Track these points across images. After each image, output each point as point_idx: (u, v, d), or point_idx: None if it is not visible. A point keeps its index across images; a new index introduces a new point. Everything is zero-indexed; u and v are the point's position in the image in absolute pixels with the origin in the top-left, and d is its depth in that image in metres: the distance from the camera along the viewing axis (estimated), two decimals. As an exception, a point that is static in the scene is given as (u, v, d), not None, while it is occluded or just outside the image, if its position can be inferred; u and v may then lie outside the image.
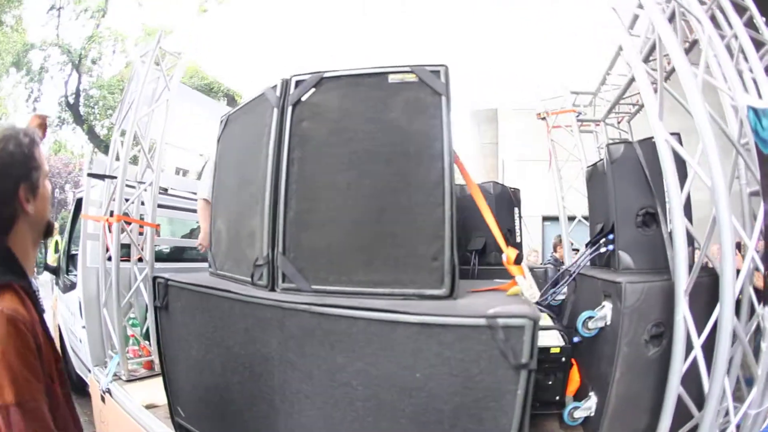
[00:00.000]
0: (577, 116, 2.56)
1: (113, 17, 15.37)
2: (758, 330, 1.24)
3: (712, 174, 1.08)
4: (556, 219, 4.14)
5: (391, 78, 1.06)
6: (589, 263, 2.00)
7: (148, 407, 1.67)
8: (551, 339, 1.67)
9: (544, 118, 2.54)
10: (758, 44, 1.15)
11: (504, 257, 1.09)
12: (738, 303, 1.20)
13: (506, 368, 0.79)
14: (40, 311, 0.86)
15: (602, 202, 1.82)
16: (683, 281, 1.16)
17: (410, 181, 1.01)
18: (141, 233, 2.05)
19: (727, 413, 1.21)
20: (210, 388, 1.23)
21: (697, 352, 1.15)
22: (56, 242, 3.13)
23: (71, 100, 15.65)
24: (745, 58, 1.17)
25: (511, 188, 2.58)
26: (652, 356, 1.33)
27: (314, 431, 0.98)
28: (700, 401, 1.22)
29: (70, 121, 15.77)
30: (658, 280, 1.34)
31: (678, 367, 1.18)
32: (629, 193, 1.55)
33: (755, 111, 1.09)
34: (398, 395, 0.88)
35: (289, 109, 1.12)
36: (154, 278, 1.33)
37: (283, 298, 1.05)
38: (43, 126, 1.35)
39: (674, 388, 1.18)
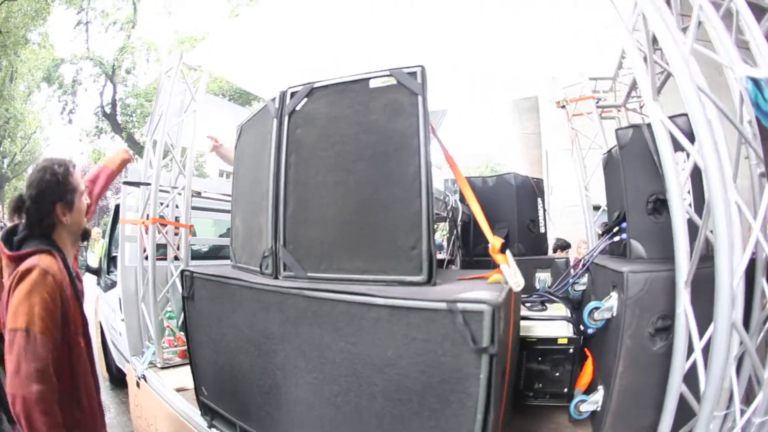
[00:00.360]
0: (597, 102, 2.48)
1: (143, 28, 16.08)
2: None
3: (703, 152, 1.01)
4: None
5: (372, 83, 1.15)
6: (608, 253, 1.95)
7: (178, 390, 1.89)
8: (559, 330, 1.67)
9: (563, 107, 2.46)
10: (759, 11, 1.07)
11: (489, 246, 1.15)
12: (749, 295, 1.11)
13: (468, 352, 0.86)
14: (73, 280, 1.14)
15: (617, 190, 1.76)
16: (683, 271, 1.10)
17: (390, 176, 1.10)
18: (176, 233, 2.35)
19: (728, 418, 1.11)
20: (226, 367, 1.41)
21: (696, 349, 1.08)
22: (102, 245, 3.59)
23: (107, 110, 16.35)
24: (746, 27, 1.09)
25: (534, 178, 2.55)
26: (658, 350, 1.27)
27: (307, 404, 1.12)
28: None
29: (108, 130, 16.52)
30: (664, 269, 1.26)
31: (679, 364, 1.11)
32: (639, 179, 1.49)
33: (755, 82, 1.00)
34: (373, 372, 0.98)
35: (286, 118, 1.26)
36: (182, 272, 1.55)
37: (283, 284, 1.21)
38: (127, 160, 1.72)
39: (676, 386, 1.12)
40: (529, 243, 2.37)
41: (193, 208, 2.30)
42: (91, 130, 16.49)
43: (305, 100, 1.23)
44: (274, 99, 1.31)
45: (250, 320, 1.27)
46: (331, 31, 2.31)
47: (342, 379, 1.03)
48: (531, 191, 2.45)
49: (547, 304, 1.87)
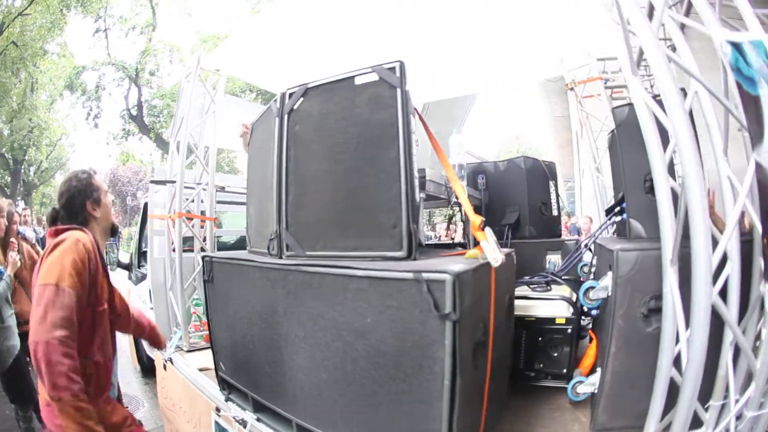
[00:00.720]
0: (605, 83, 2.41)
1: (164, 30, 16.52)
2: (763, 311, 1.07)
3: (674, 124, 1.00)
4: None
5: (357, 80, 1.27)
6: (615, 233, 1.93)
7: (201, 370, 2.10)
8: (558, 310, 1.70)
9: (572, 89, 2.42)
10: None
11: (470, 225, 1.23)
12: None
13: (433, 318, 0.95)
14: (102, 257, 1.38)
15: (618, 169, 1.75)
16: (668, 249, 1.08)
17: (374, 163, 1.22)
18: (202, 226, 2.62)
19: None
20: (240, 342, 1.59)
21: (682, 331, 1.05)
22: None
23: (133, 112, 17.04)
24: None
25: (545, 162, 2.56)
26: (652, 332, 1.25)
27: (305, 371, 1.28)
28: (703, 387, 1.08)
29: (136, 132, 17.09)
30: (656, 248, 1.20)
31: (668, 346, 1.08)
32: (636, 158, 1.47)
33: (736, 46, 0.98)
34: (355, 338, 1.11)
35: (285, 117, 1.42)
36: (203, 257, 1.78)
37: (285, 262, 1.38)
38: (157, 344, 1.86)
39: (665, 369, 1.08)
40: (541, 225, 2.39)
41: (219, 202, 2.56)
42: (118, 132, 17.19)
43: (301, 99, 1.38)
44: (276, 99, 1.48)
45: (259, 296, 1.45)
46: (345, 27, 2.40)
47: (331, 346, 1.17)
48: (542, 174, 2.45)
49: (552, 286, 1.91)
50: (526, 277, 1.93)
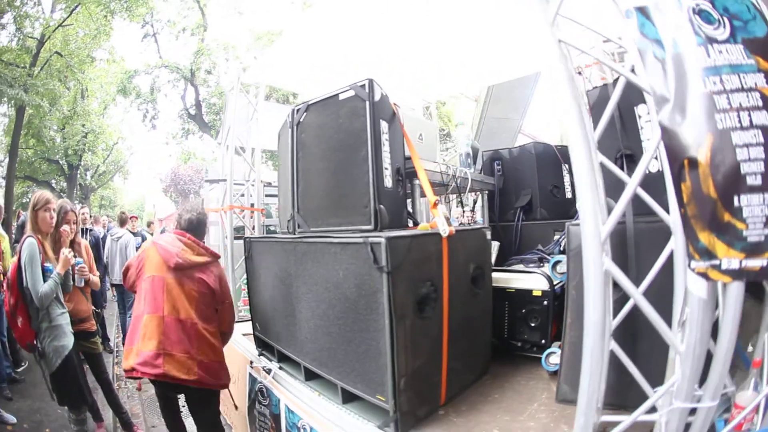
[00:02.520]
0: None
1: (216, 30, 16.62)
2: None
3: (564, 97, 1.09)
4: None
5: (341, 96, 1.76)
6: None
7: (244, 335, 2.68)
8: (536, 283, 1.97)
9: (579, 73, 2.53)
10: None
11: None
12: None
13: (375, 271, 1.37)
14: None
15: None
16: (588, 223, 1.15)
17: (351, 160, 1.68)
18: (252, 216, 3.36)
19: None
20: (269, 304, 2.15)
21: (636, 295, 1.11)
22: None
23: (192, 112, 17.22)
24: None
25: (558, 146, 2.77)
26: None
27: (306, 319, 1.79)
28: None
29: (196, 131, 17.42)
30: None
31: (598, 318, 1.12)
32: (607, 137, 1.70)
33: (641, 10, 1.06)
34: (333, 289, 1.57)
35: (295, 128, 1.98)
36: (244, 238, 2.44)
37: (296, 237, 1.93)
38: None
39: (597, 343, 1.13)
40: (553, 208, 2.60)
41: (268, 195, 3.26)
42: (178, 132, 17.62)
43: (305, 114, 1.94)
44: (289, 114, 2.06)
45: (279, 264, 2.01)
46: (378, 34, 2.76)
47: (321, 297, 1.65)
48: (553, 158, 2.67)
49: (544, 263, 2.18)
50: (522, 255, 2.24)
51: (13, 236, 4.41)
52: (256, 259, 2.25)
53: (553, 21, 1.16)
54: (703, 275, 0.99)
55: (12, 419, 3.24)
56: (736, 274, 0.97)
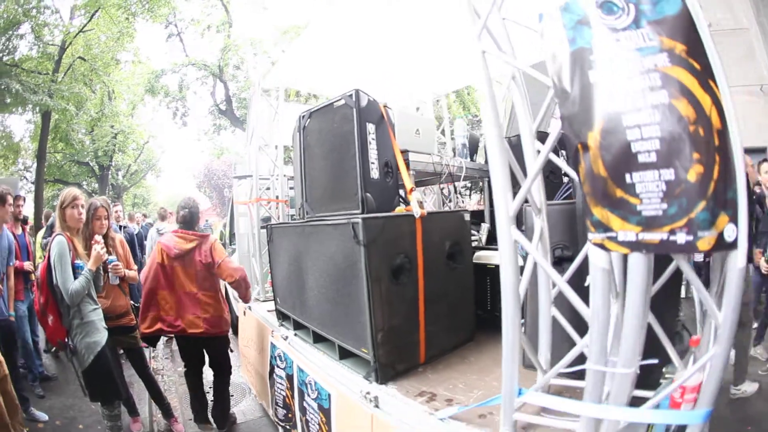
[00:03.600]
0: None
1: (241, 26, 16.99)
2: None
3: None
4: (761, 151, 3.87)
5: (335, 104, 2.22)
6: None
7: (269, 311, 3.16)
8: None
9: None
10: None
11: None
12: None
13: (356, 245, 1.78)
14: None
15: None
16: (501, 204, 1.32)
17: (343, 158, 2.11)
18: (277, 207, 3.92)
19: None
20: (286, 280, 2.61)
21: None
22: (225, 225, 5.59)
23: (223, 107, 17.72)
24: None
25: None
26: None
27: (311, 289, 2.28)
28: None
29: (227, 126, 17.97)
30: (556, 204, 1.82)
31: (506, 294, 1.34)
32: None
33: (551, 12, 1.16)
34: (329, 261, 2.00)
35: (302, 132, 2.48)
36: (266, 226, 2.98)
37: (305, 222, 2.43)
38: None
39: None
40: (549, 193, 2.92)
41: (291, 188, 3.82)
42: (209, 128, 18.28)
43: (309, 120, 2.44)
44: (297, 120, 2.56)
45: (293, 245, 2.49)
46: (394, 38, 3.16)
47: (322, 269, 2.12)
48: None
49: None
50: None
51: (42, 240, 4.84)
52: (276, 242, 2.78)
53: (479, 35, 1.43)
54: (601, 246, 1.11)
55: (43, 417, 3.37)
56: (633, 245, 1.06)
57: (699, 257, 1.81)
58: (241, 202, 4.00)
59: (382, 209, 2.13)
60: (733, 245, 0.97)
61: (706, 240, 0.95)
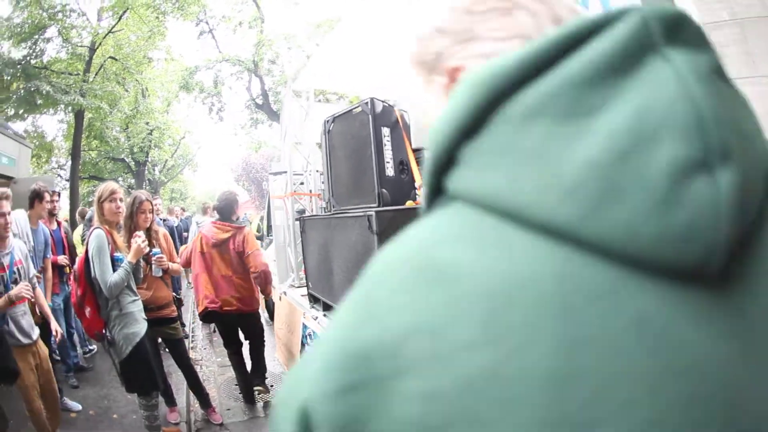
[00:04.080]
0: None
1: (273, 21, 16.94)
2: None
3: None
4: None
5: (354, 111, 2.59)
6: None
7: (302, 296, 3.58)
8: None
9: None
10: None
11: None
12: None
13: (371, 234, 2.15)
14: None
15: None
16: None
17: (362, 159, 2.48)
18: (311, 201, 4.35)
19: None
20: (315, 265, 3.05)
21: None
22: (261, 218, 6.14)
23: (259, 102, 17.96)
24: None
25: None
26: None
27: (336, 272, 2.70)
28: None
29: (264, 120, 18.18)
30: None
31: None
32: None
33: None
34: (349, 248, 2.37)
35: (327, 135, 2.87)
36: (299, 218, 3.43)
37: (331, 214, 2.84)
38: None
39: None
40: None
41: (323, 182, 4.25)
42: (246, 122, 18.52)
43: (333, 124, 2.82)
44: (323, 124, 2.95)
45: (322, 235, 2.88)
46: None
47: (345, 255, 2.54)
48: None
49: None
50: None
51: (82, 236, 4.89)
52: (307, 233, 3.21)
53: None
54: None
55: (77, 406, 3.44)
56: None
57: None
58: (276, 197, 4.50)
59: (397, 203, 2.48)
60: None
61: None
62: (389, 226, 2.16)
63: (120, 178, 19.02)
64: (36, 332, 2.56)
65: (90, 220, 4.48)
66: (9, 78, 12.90)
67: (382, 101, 2.48)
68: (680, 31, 0.28)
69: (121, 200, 2.58)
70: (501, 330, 0.24)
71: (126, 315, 2.52)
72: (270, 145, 19.60)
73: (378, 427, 0.25)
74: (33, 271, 2.70)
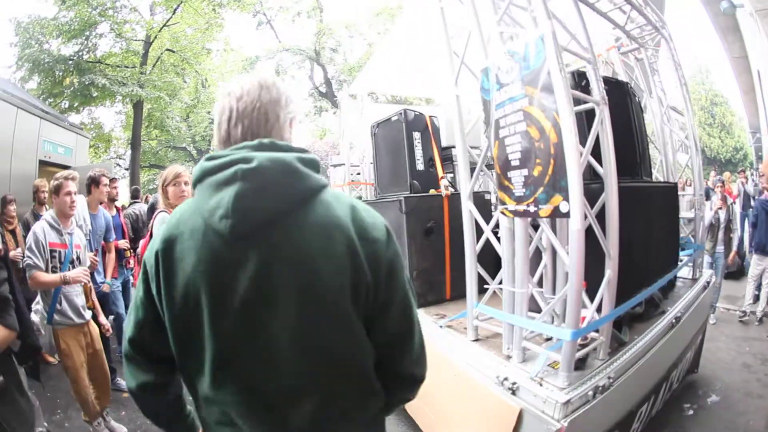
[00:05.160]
0: (619, 49, 3.23)
1: (332, 10, 17.39)
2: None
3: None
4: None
5: (392, 119, 3.44)
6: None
7: None
8: None
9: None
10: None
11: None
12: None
13: (401, 214, 2.95)
14: None
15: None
16: (464, 186, 2.43)
17: (398, 156, 3.32)
18: (366, 188, 5.29)
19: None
20: None
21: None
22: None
23: (322, 90, 18.72)
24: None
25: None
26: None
27: None
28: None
29: (328, 108, 18.82)
30: None
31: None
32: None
33: (484, 71, 2.02)
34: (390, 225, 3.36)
35: (374, 137, 3.76)
36: (353, 201, 4.38)
37: (377, 199, 3.75)
38: None
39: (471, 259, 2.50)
40: None
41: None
42: (310, 110, 19.30)
43: (377, 128, 3.71)
44: (371, 128, 3.86)
45: None
46: None
47: None
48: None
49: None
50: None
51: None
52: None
53: (455, 81, 2.47)
54: (503, 213, 2.04)
55: None
56: (514, 213, 1.95)
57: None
58: (337, 185, 5.54)
59: (427, 191, 3.33)
60: (567, 215, 1.85)
61: (544, 210, 1.91)
62: (415, 208, 3.04)
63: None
64: (88, 314, 2.80)
65: (152, 207, 4.73)
66: (61, 73, 13.49)
67: (414, 111, 3.33)
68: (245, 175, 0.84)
69: (186, 183, 2.59)
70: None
71: None
72: (334, 133, 19.96)
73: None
74: (89, 262, 2.94)
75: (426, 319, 2.73)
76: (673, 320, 2.53)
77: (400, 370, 1.00)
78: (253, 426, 0.92)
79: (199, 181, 0.89)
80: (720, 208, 4.67)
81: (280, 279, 0.86)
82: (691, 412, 3.06)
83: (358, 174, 5.22)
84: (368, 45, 17.30)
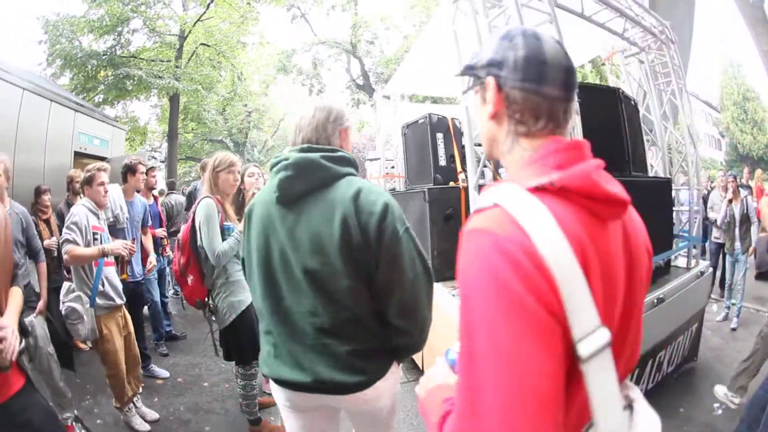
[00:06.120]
0: (623, 53, 3.58)
1: (367, 3, 16.79)
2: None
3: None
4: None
5: (419, 121, 4.11)
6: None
7: None
8: None
9: (603, 64, 3.83)
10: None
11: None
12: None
13: (425, 202, 3.59)
14: None
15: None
16: (471, 180, 3.16)
17: (424, 153, 3.91)
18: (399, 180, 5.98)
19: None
20: None
21: None
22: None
23: (360, 82, 19.02)
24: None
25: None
26: None
27: None
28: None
29: (366, 100, 18.88)
30: None
31: None
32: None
33: None
34: (416, 213, 3.90)
35: (404, 136, 4.43)
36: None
37: (406, 190, 4.50)
38: None
39: None
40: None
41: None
42: (348, 102, 19.56)
43: (407, 129, 4.43)
44: (401, 128, 4.59)
45: (402, 206, 4.62)
46: None
47: (412, 218, 4.14)
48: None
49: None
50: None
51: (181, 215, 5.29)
52: (392, 203, 4.97)
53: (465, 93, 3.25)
54: None
55: (164, 374, 3.58)
56: None
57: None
58: (373, 178, 6.31)
59: (447, 183, 4.03)
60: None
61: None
62: (437, 197, 3.75)
63: (219, 159, 20.97)
64: (123, 297, 2.88)
65: (191, 196, 4.91)
66: (94, 68, 13.66)
67: (437, 115, 4.03)
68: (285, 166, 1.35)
69: (239, 173, 2.62)
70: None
71: (233, 283, 2.56)
72: (371, 125, 21.64)
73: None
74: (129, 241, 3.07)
75: (442, 290, 3.40)
76: (655, 300, 2.97)
77: (389, 319, 1.36)
78: (281, 335, 1.40)
79: (270, 169, 1.40)
80: (731, 201, 4.88)
81: (300, 233, 1.31)
82: (720, 411, 3.20)
83: (393, 167, 5.96)
84: (404, 38, 17.47)
